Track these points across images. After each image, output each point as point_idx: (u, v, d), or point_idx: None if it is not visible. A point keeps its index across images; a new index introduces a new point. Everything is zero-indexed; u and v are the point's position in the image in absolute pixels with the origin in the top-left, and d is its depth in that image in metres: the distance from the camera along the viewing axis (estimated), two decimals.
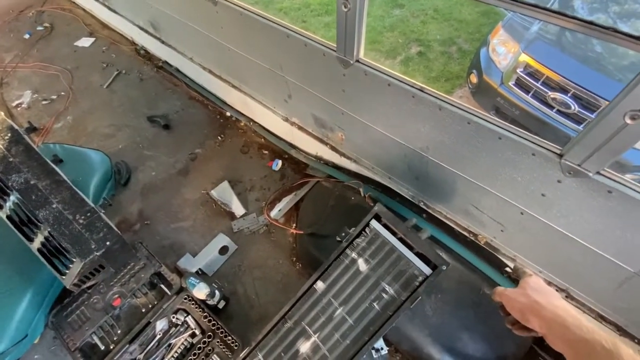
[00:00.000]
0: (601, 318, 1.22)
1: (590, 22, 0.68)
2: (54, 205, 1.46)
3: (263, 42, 1.53)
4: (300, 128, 1.87)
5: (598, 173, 0.89)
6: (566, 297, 1.25)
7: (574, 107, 2.45)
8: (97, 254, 1.40)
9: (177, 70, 2.55)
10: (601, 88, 2.37)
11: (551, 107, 2.58)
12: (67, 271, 1.40)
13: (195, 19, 1.85)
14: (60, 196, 1.48)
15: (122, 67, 2.75)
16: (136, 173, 2.10)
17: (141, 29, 2.60)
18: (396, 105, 1.22)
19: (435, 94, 1.10)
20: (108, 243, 1.44)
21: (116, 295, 1.59)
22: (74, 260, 1.39)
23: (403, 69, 4.10)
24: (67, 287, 1.43)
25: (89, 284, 1.53)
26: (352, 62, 1.22)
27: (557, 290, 1.25)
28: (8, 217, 1.48)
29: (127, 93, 2.56)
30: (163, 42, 2.42)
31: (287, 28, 1.37)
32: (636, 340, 1.18)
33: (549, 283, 1.27)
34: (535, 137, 0.96)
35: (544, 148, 0.95)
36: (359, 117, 1.43)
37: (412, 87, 1.13)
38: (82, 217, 1.45)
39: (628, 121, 0.75)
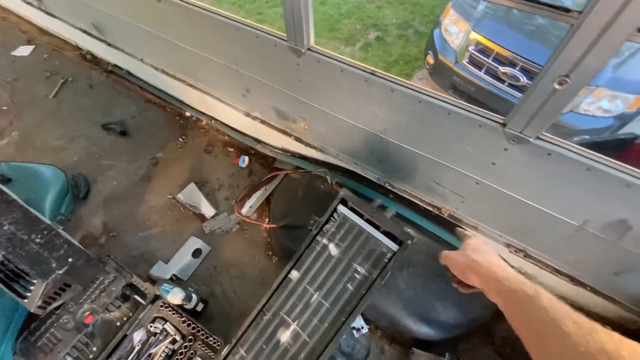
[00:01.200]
0: (557, 272, 1.32)
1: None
2: (6, 227, 1.37)
3: (214, 37, 1.50)
4: (262, 122, 1.85)
5: (538, 138, 0.95)
6: (524, 256, 1.35)
7: (523, 80, 2.59)
8: (60, 272, 1.33)
9: (129, 73, 2.43)
10: (546, 59, 2.51)
11: (503, 81, 2.71)
12: (28, 294, 1.33)
13: (141, 18, 1.77)
14: (11, 217, 1.39)
15: (68, 74, 2.58)
16: (96, 184, 2.00)
17: (84, 32, 2.44)
18: (351, 91, 1.24)
19: (386, 77, 1.13)
20: (70, 260, 1.38)
21: (87, 313, 1.53)
22: (35, 281, 1.32)
23: (363, 55, 4.14)
24: (32, 310, 1.36)
25: (55, 304, 1.46)
26: (304, 50, 1.22)
27: (515, 251, 1.34)
28: None
29: (76, 102, 2.42)
30: (110, 45, 2.30)
31: (237, 21, 1.35)
32: (588, 288, 1.29)
33: (508, 245, 1.36)
34: (480, 109, 1.02)
35: (489, 119, 1.00)
36: (319, 106, 1.44)
37: (364, 71, 1.15)
38: (39, 236, 1.37)
39: (557, 86, 0.81)
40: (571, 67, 0.76)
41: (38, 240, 1.36)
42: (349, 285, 1.17)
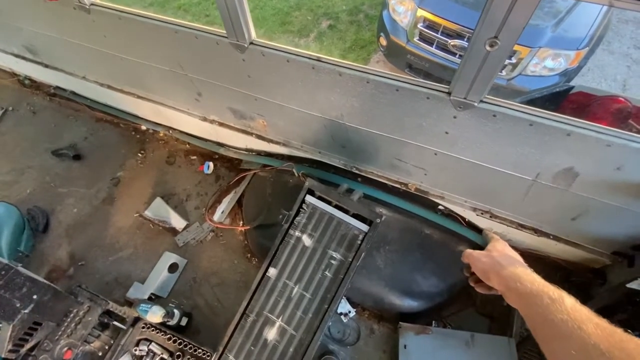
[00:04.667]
0: (521, 227, 1.39)
1: None
2: None
3: (153, 43, 1.44)
4: (221, 124, 1.81)
5: (482, 101, 0.99)
6: (490, 217, 1.40)
7: None
8: (25, 311, 1.26)
9: (74, 93, 2.30)
10: None
11: (454, 54, 2.79)
12: None
13: (73, 33, 1.67)
14: None
15: (7, 104, 2.41)
16: (55, 215, 1.90)
17: (18, 56, 2.28)
18: (301, 80, 1.23)
19: (332, 62, 1.13)
20: (35, 297, 1.30)
21: (65, 348, 1.46)
22: (0, 325, 1.24)
23: (319, 45, 4.13)
24: (3, 356, 1.28)
25: (29, 345, 1.38)
26: (246, 45, 1.20)
27: (481, 213, 1.40)
28: None
29: (20, 131, 2.27)
30: (47, 66, 2.16)
31: (173, 23, 1.30)
32: (551, 237, 1.37)
33: (475, 209, 1.41)
34: (426, 82, 1.04)
35: (435, 90, 1.03)
36: (272, 100, 1.42)
37: (310, 58, 1.14)
38: None
39: (488, 49, 0.83)
40: (498, 28, 0.79)
41: None
42: (327, 272, 1.18)
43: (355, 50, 4.01)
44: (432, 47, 2.87)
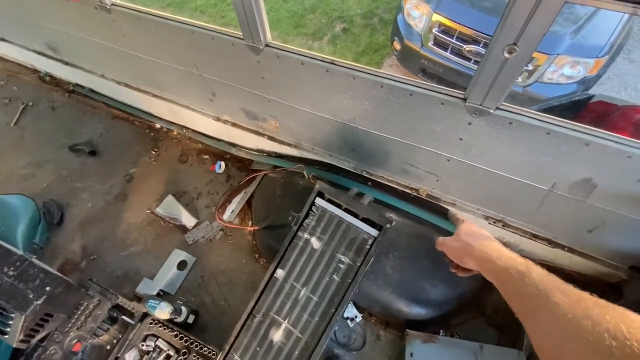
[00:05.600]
0: (535, 237, 1.36)
1: None
2: None
3: (170, 44, 1.46)
4: (234, 125, 1.83)
5: (498, 109, 0.97)
6: (503, 226, 1.38)
7: None
8: (38, 303, 1.29)
9: (92, 91, 2.36)
10: None
11: (469, 59, 2.76)
12: (8, 329, 1.28)
13: (94, 32, 1.71)
14: None
15: (28, 99, 2.49)
16: (70, 209, 1.94)
17: (40, 53, 2.35)
18: (315, 83, 1.23)
19: (346, 65, 1.13)
20: (48, 289, 1.33)
21: (75, 341, 1.49)
22: (13, 315, 1.27)
23: (332, 48, 4.14)
24: (14, 346, 1.31)
25: (40, 336, 1.41)
26: (262, 47, 1.21)
27: (493, 222, 1.37)
28: None
29: (40, 126, 2.33)
30: (68, 64, 2.22)
31: (191, 24, 1.32)
32: (566, 249, 1.33)
33: (487, 217, 1.39)
34: (441, 87, 1.03)
35: (450, 96, 1.02)
36: (286, 102, 1.43)
37: (324, 61, 1.15)
38: (12, 269, 1.32)
39: (507, 55, 0.82)
40: (518, 35, 0.78)
41: (11, 273, 1.31)
42: (335, 276, 1.17)
43: (369, 54, 4.00)
44: (446, 52, 2.84)
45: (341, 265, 1.17)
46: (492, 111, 0.97)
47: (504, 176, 1.15)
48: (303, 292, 1.19)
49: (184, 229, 1.82)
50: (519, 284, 0.52)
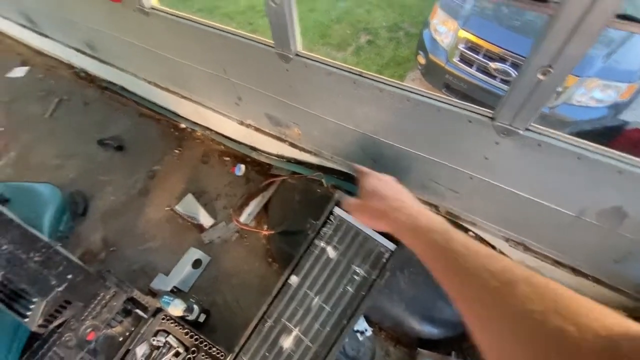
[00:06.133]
0: (557, 264, 1.31)
1: None
2: (4, 247, 1.37)
3: (202, 48, 1.51)
4: (257, 129, 1.86)
5: (527, 129, 0.96)
6: (524, 249, 1.34)
7: (514, 74, 2.60)
8: (59, 289, 1.33)
9: (123, 88, 2.46)
10: None
11: (494, 77, 2.73)
12: (29, 313, 1.33)
13: (130, 33, 1.79)
14: (9, 236, 1.39)
15: (62, 93, 2.61)
16: (94, 201, 2.01)
17: (77, 50, 2.47)
18: (341, 93, 1.25)
19: (374, 77, 1.14)
20: (70, 276, 1.38)
21: (89, 329, 1.52)
22: (35, 300, 1.32)
23: (355, 59, 4.17)
24: (33, 329, 1.36)
25: (57, 322, 1.45)
26: (291, 56, 1.23)
27: (514, 244, 1.34)
28: None
29: (72, 119, 2.44)
30: (102, 61, 2.32)
31: (225, 31, 1.36)
32: (590, 278, 1.28)
33: (507, 239, 1.35)
34: (469, 104, 1.02)
35: (478, 114, 1.01)
36: (310, 110, 1.45)
37: (352, 73, 1.16)
38: (38, 255, 1.37)
39: (540, 77, 0.81)
40: (553, 57, 0.77)
41: (37, 259, 1.36)
42: (348, 287, 1.16)
43: (392, 67, 4.02)
44: (472, 68, 2.83)
45: (356, 277, 1.16)
46: (520, 132, 0.96)
47: (528, 198, 1.12)
48: (316, 300, 1.18)
49: (200, 228, 1.85)
50: (442, 256, 0.47)
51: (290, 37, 1.16)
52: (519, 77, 0.86)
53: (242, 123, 1.88)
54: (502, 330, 0.34)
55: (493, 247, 1.41)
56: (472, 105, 1.02)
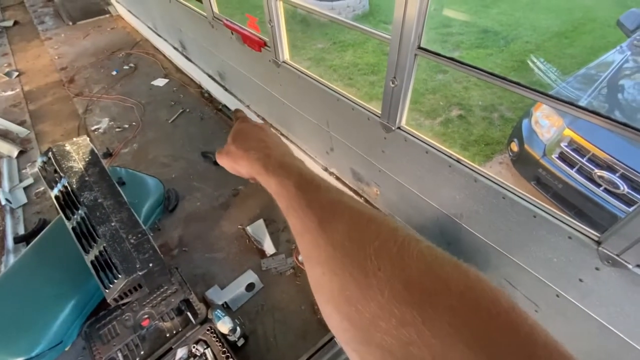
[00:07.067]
0: None
1: (624, 124, 0.74)
2: (113, 224, 1.63)
3: (315, 101, 1.71)
4: (337, 178, 1.97)
5: (639, 266, 0.87)
6: None
7: (623, 188, 2.35)
8: (140, 273, 1.52)
9: None
10: None
11: (598, 185, 2.49)
12: (111, 285, 1.53)
13: (259, 75, 2.11)
14: (119, 216, 1.66)
15: (187, 106, 3.12)
16: (183, 202, 2.29)
17: (209, 76, 2.97)
18: (432, 172, 1.29)
19: (471, 166, 1.16)
20: (150, 265, 1.56)
21: (146, 316, 1.68)
22: (119, 276, 1.51)
23: (442, 129, 4.20)
24: (108, 300, 1.54)
25: (125, 300, 1.63)
26: (394, 128, 1.33)
27: None
28: (73, 228, 1.67)
29: (187, 129, 2.88)
30: (226, 90, 2.75)
31: (338, 93, 1.54)
32: None
33: None
34: (572, 220, 0.97)
35: (581, 233, 0.95)
36: (396, 177, 1.51)
37: (450, 157, 1.20)
38: (134, 238, 1.60)
39: None
40: None
41: (132, 241, 1.58)
42: None
43: (479, 145, 3.93)
44: (572, 169, 2.63)
45: None
46: (630, 267, 0.87)
47: (625, 341, 0.98)
48: None
49: (262, 254, 1.96)
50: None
51: (399, 112, 1.26)
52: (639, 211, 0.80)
53: (326, 170, 2.02)
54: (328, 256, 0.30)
55: None
56: (577, 222, 0.97)
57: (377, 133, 1.42)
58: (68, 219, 1.71)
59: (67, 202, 1.71)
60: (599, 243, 0.92)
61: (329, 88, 1.56)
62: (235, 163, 0.52)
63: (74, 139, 1.90)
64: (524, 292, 1.22)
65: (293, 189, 0.39)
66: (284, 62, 1.77)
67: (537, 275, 1.13)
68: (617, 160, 2.40)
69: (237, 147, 0.52)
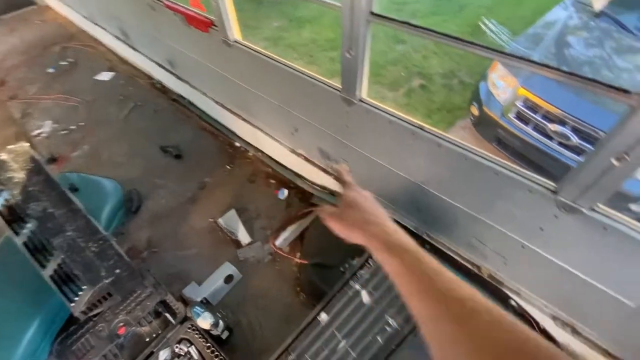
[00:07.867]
0: (609, 355, 1.20)
1: (571, 73, 0.75)
2: (69, 233, 1.51)
3: (273, 81, 1.64)
4: (306, 159, 1.94)
5: (592, 210, 0.92)
6: (572, 332, 1.24)
7: (574, 139, 2.50)
8: (106, 281, 1.43)
9: (190, 102, 2.69)
10: (599, 120, 2.43)
11: (551, 139, 2.64)
12: (76, 298, 1.43)
13: (211, 59, 1.99)
14: (75, 224, 1.54)
15: (138, 99, 2.91)
16: (147, 201, 2.17)
17: (159, 65, 2.77)
18: (397, 141, 1.29)
19: (434, 132, 1.16)
20: (117, 271, 1.48)
21: (121, 324, 1.60)
22: (84, 287, 1.42)
23: (406, 100, 4.24)
24: (75, 315, 1.45)
25: (95, 311, 1.55)
26: (355, 101, 1.30)
27: (561, 325, 1.24)
28: (24, 243, 1.53)
29: (141, 124, 2.69)
30: (179, 78, 2.58)
31: (297, 70, 1.48)
32: None
33: (555, 317, 1.26)
34: (531, 174, 1.01)
35: (539, 185, 0.99)
36: (362, 151, 1.50)
37: (412, 125, 1.20)
38: (95, 245, 1.50)
39: (614, 162, 0.79)
40: (630, 146, 0.75)
41: (93, 249, 1.48)
42: (378, 337, 1.14)
43: (442, 112, 4.02)
44: (527, 126, 2.75)
45: (387, 328, 1.14)
46: (584, 211, 0.92)
47: (584, 280, 1.05)
48: (342, 343, 1.17)
49: (237, 244, 1.92)
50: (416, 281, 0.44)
51: (357, 85, 1.23)
52: (589, 158, 0.84)
53: (293, 151, 1.97)
54: (470, 351, 0.36)
55: (537, 322, 1.32)
56: (535, 175, 1.00)
57: (340, 108, 1.39)
58: (17, 234, 1.56)
59: (13, 216, 1.56)
60: (555, 193, 0.96)
61: (285, 65, 1.49)
62: (349, 231, 0.59)
63: (9, 146, 1.71)
64: (492, 248, 1.28)
65: (418, 271, 0.44)
66: (235, 41, 1.66)
67: (503, 230, 1.18)
68: (568, 114, 2.54)
69: (353, 216, 0.58)
